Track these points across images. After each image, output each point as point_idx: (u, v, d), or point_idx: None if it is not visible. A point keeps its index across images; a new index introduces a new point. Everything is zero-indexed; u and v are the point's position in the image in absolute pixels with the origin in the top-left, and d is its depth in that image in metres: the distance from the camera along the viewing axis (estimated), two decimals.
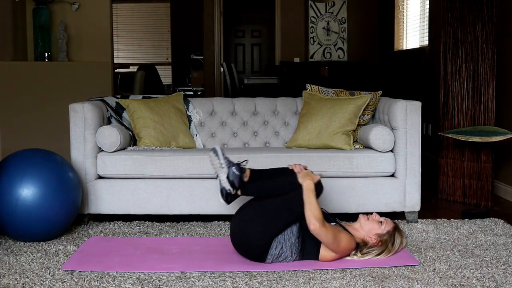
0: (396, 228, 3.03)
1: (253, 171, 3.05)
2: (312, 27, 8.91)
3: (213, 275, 2.74)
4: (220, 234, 3.48)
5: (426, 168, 4.52)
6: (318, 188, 2.91)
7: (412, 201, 3.68)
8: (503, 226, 3.61)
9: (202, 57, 10.21)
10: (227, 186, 2.94)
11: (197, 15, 10.54)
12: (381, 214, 3.25)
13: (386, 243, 2.96)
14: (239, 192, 2.99)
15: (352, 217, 3.35)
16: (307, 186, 2.86)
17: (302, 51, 9.09)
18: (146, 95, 4.26)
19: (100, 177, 3.68)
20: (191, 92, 10.76)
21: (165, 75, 11.59)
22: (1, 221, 3.16)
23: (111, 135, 3.62)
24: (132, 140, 3.92)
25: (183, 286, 2.61)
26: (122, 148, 3.73)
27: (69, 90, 5.30)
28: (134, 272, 2.78)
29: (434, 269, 2.82)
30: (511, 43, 4.46)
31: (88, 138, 3.64)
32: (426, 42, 6.46)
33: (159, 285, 2.62)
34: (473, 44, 4.29)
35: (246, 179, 2.99)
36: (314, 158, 3.64)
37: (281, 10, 9.15)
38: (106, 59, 5.64)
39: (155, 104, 4.03)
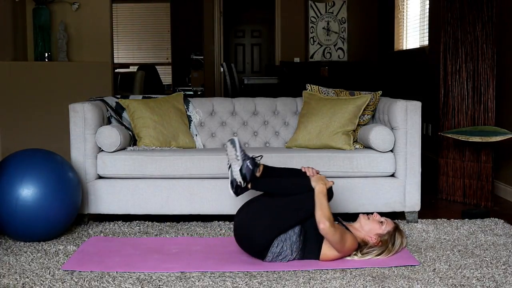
0: (396, 229, 3.03)
1: (266, 167, 3.08)
2: (312, 27, 8.91)
3: (213, 275, 2.74)
4: (220, 234, 3.48)
5: (426, 168, 4.52)
6: (328, 194, 2.92)
7: (412, 201, 3.68)
8: (503, 226, 3.61)
9: (202, 57, 10.21)
10: (239, 178, 2.95)
11: (197, 15, 10.55)
12: (381, 214, 3.25)
13: (386, 243, 2.96)
14: (249, 186, 3.00)
15: (352, 217, 3.35)
16: (320, 189, 2.87)
17: (302, 51, 9.10)
18: (146, 95, 4.26)
19: (100, 177, 3.68)
20: (191, 92, 10.76)
21: (165, 75, 11.59)
22: (1, 221, 3.16)
23: (111, 135, 3.62)
24: (132, 140, 3.92)
25: (183, 286, 2.61)
26: (122, 148, 3.73)
27: (69, 90, 5.30)
28: (134, 272, 2.78)
29: (434, 269, 2.82)
30: (511, 43, 4.46)
31: (88, 138, 3.64)
32: (426, 42, 6.46)
33: (159, 285, 2.62)
34: (473, 44, 4.29)
35: (258, 174, 3.01)
36: (314, 158, 3.64)
37: (281, 10, 9.16)
38: (106, 59, 5.65)
39: (155, 104, 4.03)
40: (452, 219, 3.78)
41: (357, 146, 3.82)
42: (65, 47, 5.52)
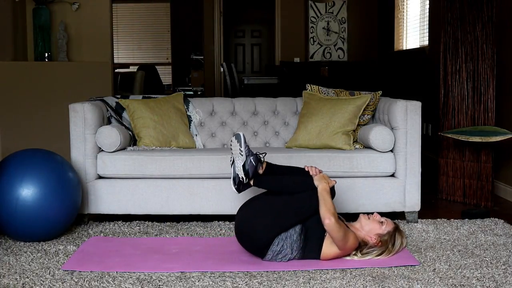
0: (396, 229, 3.03)
1: (269, 165, 3.08)
2: (312, 27, 8.91)
3: (213, 275, 2.74)
4: (220, 234, 3.48)
5: (426, 168, 4.52)
6: (331, 193, 2.93)
7: (412, 201, 3.68)
8: (503, 226, 3.61)
9: (202, 57, 10.21)
10: (241, 174, 2.95)
11: (197, 15, 10.55)
12: (381, 214, 3.25)
13: (386, 243, 2.96)
14: (251, 182, 3.00)
15: (352, 217, 3.35)
16: (323, 187, 2.89)
17: (302, 51, 9.10)
18: (146, 95, 4.26)
19: (100, 177, 3.68)
20: (191, 92, 10.76)
21: (165, 75, 11.60)
22: (1, 221, 3.16)
23: (111, 135, 3.62)
24: (132, 140, 3.92)
25: (183, 286, 2.61)
26: (122, 148, 3.73)
27: (69, 90, 5.30)
28: (134, 272, 2.78)
29: (434, 269, 2.82)
30: (511, 43, 4.46)
31: (88, 138, 3.64)
32: (426, 42, 6.46)
33: (159, 285, 2.62)
34: (473, 44, 4.29)
35: (261, 171, 3.01)
36: (314, 158, 3.64)
37: (281, 10, 9.16)
38: (106, 59, 5.65)
39: (155, 104, 4.03)
40: (452, 219, 3.78)
41: (357, 146, 3.82)
42: (65, 47, 5.52)
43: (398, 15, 7.58)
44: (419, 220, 3.74)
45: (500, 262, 2.91)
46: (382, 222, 3.00)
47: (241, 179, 2.97)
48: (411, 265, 2.86)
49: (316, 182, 2.92)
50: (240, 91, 8.10)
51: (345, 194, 3.63)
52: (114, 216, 3.78)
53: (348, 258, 2.94)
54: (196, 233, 3.49)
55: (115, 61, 8.68)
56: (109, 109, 3.97)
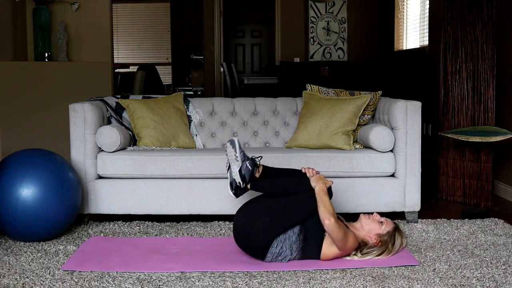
0: (396, 229, 3.03)
1: (265, 168, 3.08)
2: (312, 27, 8.91)
3: (213, 275, 2.74)
4: (220, 234, 3.48)
5: (426, 168, 4.52)
6: (328, 194, 2.92)
7: (412, 201, 3.68)
8: (503, 226, 3.61)
9: (202, 57, 10.21)
10: (238, 179, 2.95)
11: (197, 15, 10.54)
12: (381, 214, 3.25)
13: (386, 243, 2.96)
14: (248, 186, 3.00)
15: (352, 217, 3.35)
16: (320, 188, 2.89)
17: (302, 51, 9.09)
18: (146, 95, 4.26)
19: (100, 177, 3.68)
20: (191, 92, 10.76)
21: (165, 75, 11.59)
22: (1, 221, 3.16)
23: (111, 135, 3.62)
24: (132, 140, 3.92)
25: (183, 286, 2.61)
26: (122, 148, 3.73)
27: (69, 90, 5.30)
28: (134, 272, 2.78)
29: (434, 269, 2.82)
30: (511, 43, 4.46)
31: (88, 138, 3.64)
32: (426, 42, 6.46)
33: (159, 285, 2.62)
34: (473, 44, 4.29)
35: (257, 174, 3.01)
36: (314, 158, 3.64)
37: (281, 10, 9.15)
38: (106, 59, 5.65)
39: (155, 104, 4.03)
40: (452, 219, 3.78)
41: (357, 146, 3.82)
42: (65, 47, 5.52)
43: (398, 15, 7.58)
44: (419, 220, 3.74)
45: (500, 262, 2.91)
46: (381, 222, 3.00)
47: (238, 184, 2.97)
48: (411, 265, 2.86)
49: (313, 183, 2.92)
50: (240, 91, 8.10)
51: (345, 194, 3.63)
52: (114, 216, 3.78)
53: (348, 258, 2.94)
54: (196, 233, 3.49)
55: (115, 61, 8.68)
56: (109, 109, 3.97)
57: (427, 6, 6.31)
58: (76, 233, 3.48)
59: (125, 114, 4.04)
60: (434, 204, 4.35)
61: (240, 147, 2.97)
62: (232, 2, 10.63)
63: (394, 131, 3.69)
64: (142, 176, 3.63)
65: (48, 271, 2.79)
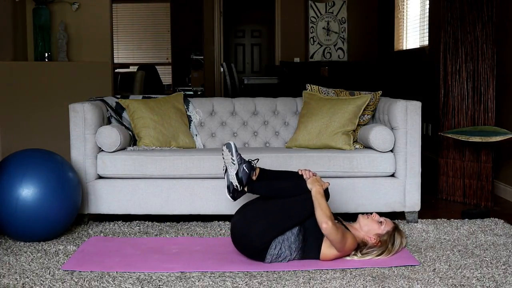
0: (395, 229, 3.03)
1: (262, 170, 3.08)
2: (312, 27, 8.91)
3: (213, 275, 2.74)
4: (220, 234, 3.48)
5: (426, 168, 4.52)
6: (325, 195, 2.92)
7: (412, 201, 3.68)
8: (503, 226, 3.61)
9: (202, 57, 10.21)
10: (235, 182, 2.95)
11: (197, 15, 10.54)
12: (381, 214, 3.26)
13: (385, 243, 2.96)
14: (246, 189, 3.00)
15: (352, 217, 3.35)
16: (317, 190, 2.88)
17: (302, 51, 9.10)
18: (146, 95, 4.26)
19: (100, 177, 3.68)
20: (191, 92, 10.76)
21: (165, 75, 11.59)
22: (1, 221, 3.16)
23: (111, 135, 3.62)
24: (132, 140, 3.92)
25: (183, 286, 2.61)
26: (122, 148, 3.73)
27: (69, 90, 5.30)
28: (134, 272, 2.78)
29: (434, 269, 2.82)
30: (511, 43, 4.46)
31: (88, 138, 3.64)
32: (426, 42, 6.46)
33: (159, 285, 2.62)
34: (473, 44, 4.29)
35: (254, 177, 3.01)
36: (314, 158, 3.64)
37: (281, 10, 9.16)
38: (106, 59, 5.65)
39: (155, 104, 4.03)
40: (452, 219, 3.78)
41: (357, 146, 3.82)
42: (65, 47, 5.52)
43: (398, 15, 7.58)
44: (419, 220, 3.74)
45: (500, 262, 2.91)
46: (381, 222, 3.00)
47: (235, 187, 2.97)
48: (411, 265, 2.86)
49: (309, 186, 2.92)
50: (240, 91, 8.10)
51: (345, 194, 3.63)
52: (114, 216, 3.78)
53: (348, 258, 2.94)
54: (196, 233, 3.49)
55: (115, 61, 8.68)
56: (109, 109, 3.97)
57: (427, 6, 6.31)
58: (76, 233, 3.48)
59: (125, 114, 4.04)
60: (434, 204, 4.35)
61: (236, 150, 2.97)
62: (232, 2, 10.63)
63: (394, 131, 3.69)
64: (142, 176, 3.63)
65: (48, 271, 2.79)
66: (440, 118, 4.45)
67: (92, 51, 5.65)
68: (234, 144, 2.99)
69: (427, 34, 6.32)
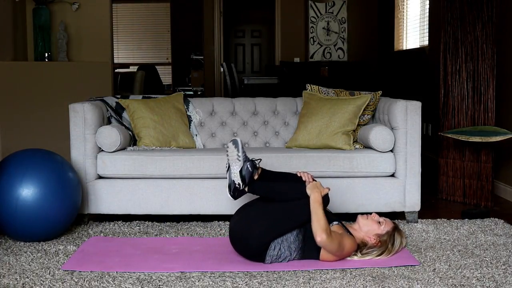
0: (395, 229, 3.03)
1: (264, 171, 3.07)
2: (312, 27, 8.91)
3: (213, 275, 2.74)
4: (220, 234, 3.48)
5: (426, 168, 4.52)
6: (325, 201, 2.91)
7: (412, 201, 3.68)
8: (503, 226, 3.61)
9: (202, 57, 10.21)
10: (237, 180, 2.94)
11: (197, 15, 10.54)
12: (381, 214, 3.26)
13: (385, 243, 2.96)
14: (246, 189, 2.99)
15: (352, 217, 3.35)
16: (315, 199, 2.86)
17: (302, 51, 9.10)
18: (146, 95, 4.26)
19: (100, 177, 3.68)
20: (191, 92, 10.76)
21: (165, 75, 11.60)
22: (1, 221, 3.16)
23: (111, 135, 3.62)
24: (132, 140, 3.92)
25: (183, 286, 2.61)
26: (122, 148, 3.73)
27: (69, 90, 5.30)
28: (134, 272, 2.78)
29: (434, 269, 2.82)
30: (511, 43, 4.46)
31: (88, 138, 3.64)
32: (426, 42, 6.46)
33: (159, 285, 2.62)
34: (473, 44, 4.29)
35: (256, 177, 3.00)
36: (314, 158, 3.64)
37: (281, 10, 9.16)
38: (106, 59, 5.65)
39: (155, 104, 4.03)
40: (452, 219, 3.78)
41: (357, 146, 3.82)
42: (65, 47, 5.52)
43: (398, 15, 7.58)
44: (419, 220, 3.74)
45: (500, 262, 2.91)
46: (380, 222, 3.00)
47: (237, 185, 2.96)
48: (411, 265, 2.86)
49: (308, 191, 2.90)
50: (240, 91, 8.10)
51: (345, 194, 3.63)
52: (114, 216, 3.78)
53: (348, 258, 2.94)
54: (196, 233, 3.49)
55: (115, 61, 8.68)
56: (109, 109, 3.97)
57: (427, 6, 6.31)
58: (76, 233, 3.48)
59: (125, 114, 4.04)
60: (434, 204, 4.35)
61: (242, 147, 2.97)
62: (232, 2, 10.63)
63: (394, 131, 3.69)
64: (142, 176, 3.63)
65: (48, 271, 2.79)
66: (440, 118, 4.45)
67: (92, 51, 5.65)
68: (241, 141, 2.99)
69: (427, 34, 6.32)
